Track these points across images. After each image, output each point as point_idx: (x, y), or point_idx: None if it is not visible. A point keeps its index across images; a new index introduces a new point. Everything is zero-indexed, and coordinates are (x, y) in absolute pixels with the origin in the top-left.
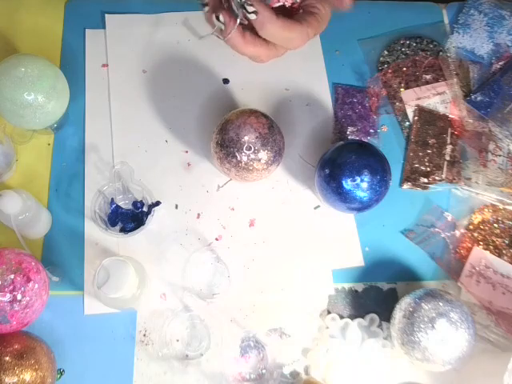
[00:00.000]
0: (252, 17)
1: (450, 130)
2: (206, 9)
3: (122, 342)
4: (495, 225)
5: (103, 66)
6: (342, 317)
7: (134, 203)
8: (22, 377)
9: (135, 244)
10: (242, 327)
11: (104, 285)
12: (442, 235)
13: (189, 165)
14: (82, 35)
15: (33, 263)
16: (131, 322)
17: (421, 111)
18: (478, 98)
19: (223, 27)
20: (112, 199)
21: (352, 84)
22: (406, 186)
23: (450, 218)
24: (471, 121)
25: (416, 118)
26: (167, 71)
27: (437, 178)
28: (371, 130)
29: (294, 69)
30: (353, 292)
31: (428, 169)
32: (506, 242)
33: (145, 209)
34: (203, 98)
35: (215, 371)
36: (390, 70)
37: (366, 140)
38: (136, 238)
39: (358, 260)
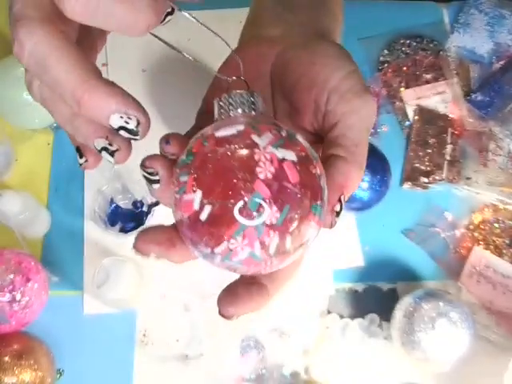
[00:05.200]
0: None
1: (450, 130)
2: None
3: (122, 341)
4: (495, 224)
5: (103, 65)
6: (342, 317)
7: (134, 203)
8: (21, 377)
9: None
10: (242, 327)
11: (104, 285)
12: (442, 235)
13: None
14: None
15: (32, 263)
16: (131, 322)
17: (421, 111)
18: (479, 98)
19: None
20: (112, 199)
21: None
22: (406, 186)
23: (450, 218)
24: (471, 120)
25: (416, 117)
26: (167, 70)
27: (437, 177)
28: (371, 130)
29: None
30: (353, 292)
31: (428, 168)
32: (507, 241)
33: (145, 209)
34: (203, 97)
35: (215, 371)
36: (390, 70)
37: None
38: None
39: (358, 260)
